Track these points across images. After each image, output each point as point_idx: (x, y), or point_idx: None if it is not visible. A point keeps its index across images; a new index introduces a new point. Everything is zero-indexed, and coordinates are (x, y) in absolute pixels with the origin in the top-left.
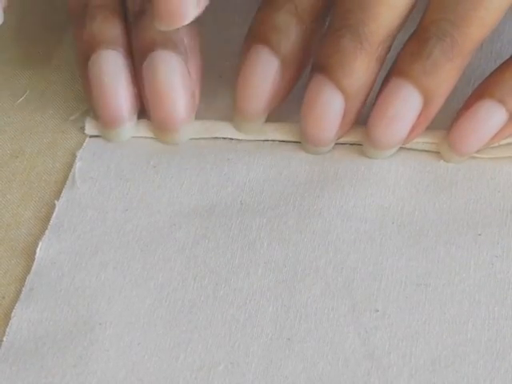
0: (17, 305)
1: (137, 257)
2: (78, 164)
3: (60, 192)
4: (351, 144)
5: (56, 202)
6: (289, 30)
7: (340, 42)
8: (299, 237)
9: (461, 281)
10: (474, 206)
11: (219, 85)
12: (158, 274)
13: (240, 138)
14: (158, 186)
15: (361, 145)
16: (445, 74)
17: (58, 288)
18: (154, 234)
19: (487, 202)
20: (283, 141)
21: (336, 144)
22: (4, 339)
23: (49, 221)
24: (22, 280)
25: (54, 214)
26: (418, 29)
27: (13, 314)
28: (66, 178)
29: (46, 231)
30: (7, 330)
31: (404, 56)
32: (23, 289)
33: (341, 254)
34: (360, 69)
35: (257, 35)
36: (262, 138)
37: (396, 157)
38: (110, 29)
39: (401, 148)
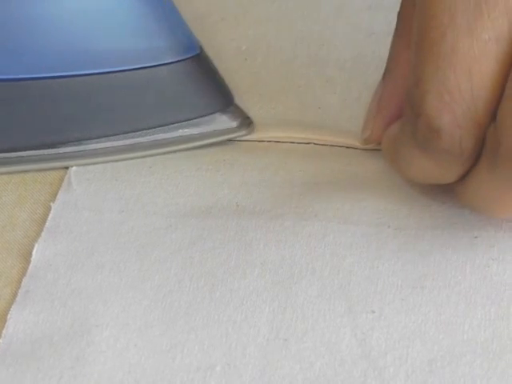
0: (13, 307)
1: (133, 258)
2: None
3: (56, 193)
4: (347, 147)
5: (51, 203)
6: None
7: None
8: (295, 239)
9: (457, 283)
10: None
11: None
12: (154, 276)
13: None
14: (153, 187)
15: (355, 148)
16: None
17: (54, 290)
18: (150, 235)
19: None
20: (279, 141)
21: (331, 146)
22: (0, 341)
23: (44, 222)
24: (18, 282)
25: (50, 216)
26: None
27: (9, 316)
28: (61, 179)
29: (42, 233)
30: (3, 331)
31: None
32: (19, 291)
33: (337, 257)
34: None
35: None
36: (257, 138)
37: None
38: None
39: None
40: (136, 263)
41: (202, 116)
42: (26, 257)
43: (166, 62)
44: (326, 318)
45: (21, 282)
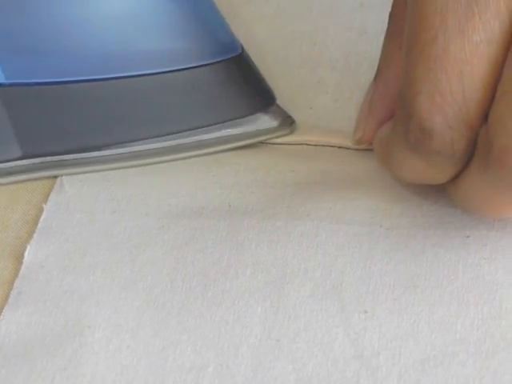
0: (5, 308)
1: (125, 259)
2: None
3: (48, 195)
4: (339, 147)
5: (44, 205)
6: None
7: None
8: (287, 239)
9: (449, 282)
10: None
11: None
12: (146, 276)
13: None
14: (145, 188)
15: (347, 148)
16: None
17: (47, 291)
18: (142, 235)
19: None
20: (271, 142)
21: (323, 146)
22: None
23: (37, 224)
24: (10, 283)
25: (42, 217)
26: None
27: (1, 318)
28: (53, 181)
29: (34, 234)
30: None
31: None
32: (11, 292)
33: (329, 256)
34: None
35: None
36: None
37: None
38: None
39: None
40: (128, 264)
41: (245, 116)
42: (18, 258)
43: (208, 62)
44: (318, 318)
45: (13, 284)
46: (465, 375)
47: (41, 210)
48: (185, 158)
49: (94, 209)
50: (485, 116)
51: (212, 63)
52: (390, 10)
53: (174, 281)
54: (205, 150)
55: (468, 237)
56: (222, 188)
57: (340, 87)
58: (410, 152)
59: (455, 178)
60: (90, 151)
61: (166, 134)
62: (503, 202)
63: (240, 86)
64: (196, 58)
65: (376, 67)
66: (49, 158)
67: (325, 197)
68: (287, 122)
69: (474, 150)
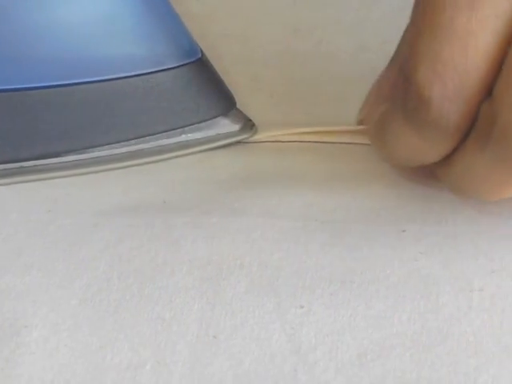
0: None
1: (61, 257)
2: None
3: None
4: (272, 142)
5: None
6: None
7: None
8: (223, 234)
9: (385, 277)
10: (397, 202)
11: None
12: (82, 274)
13: None
14: (81, 187)
15: (282, 142)
16: None
17: None
18: (77, 233)
19: (410, 197)
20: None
21: (258, 143)
22: None
23: None
24: None
25: None
26: None
27: None
28: None
29: None
30: None
31: None
32: None
33: (265, 252)
34: None
35: None
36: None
37: (318, 152)
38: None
39: (324, 143)
40: (64, 262)
41: (205, 120)
42: None
43: (168, 67)
44: (255, 314)
45: None
46: (402, 369)
47: None
48: (144, 164)
49: (29, 209)
50: (485, 91)
51: (172, 68)
52: (322, 7)
53: (110, 279)
54: (165, 156)
55: (404, 231)
56: (156, 186)
57: (273, 84)
58: (405, 123)
59: (450, 157)
60: (48, 158)
61: (126, 140)
62: (502, 181)
63: (200, 90)
64: (156, 63)
65: (309, 64)
66: (9, 165)
67: (260, 192)
68: (248, 126)
69: (471, 127)
